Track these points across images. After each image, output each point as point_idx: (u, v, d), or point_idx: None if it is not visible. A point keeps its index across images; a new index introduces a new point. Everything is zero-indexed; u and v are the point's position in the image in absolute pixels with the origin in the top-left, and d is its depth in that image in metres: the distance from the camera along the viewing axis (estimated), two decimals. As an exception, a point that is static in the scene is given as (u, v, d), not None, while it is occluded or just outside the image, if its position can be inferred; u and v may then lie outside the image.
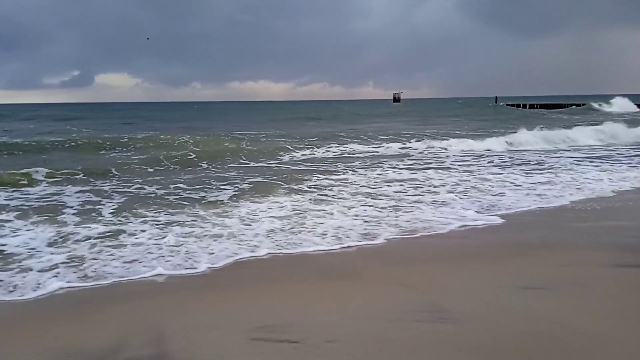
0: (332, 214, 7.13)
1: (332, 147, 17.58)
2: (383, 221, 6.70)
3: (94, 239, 5.93)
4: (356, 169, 12.30)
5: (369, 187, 9.45)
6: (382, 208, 7.51)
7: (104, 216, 7.24)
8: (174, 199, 8.60)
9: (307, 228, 6.34)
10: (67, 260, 5.12)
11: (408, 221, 6.71)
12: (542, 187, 9.20)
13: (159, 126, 31.86)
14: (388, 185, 9.61)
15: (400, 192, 8.90)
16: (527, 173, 11.07)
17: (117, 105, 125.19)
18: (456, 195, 8.45)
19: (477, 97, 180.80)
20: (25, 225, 6.59)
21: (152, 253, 5.36)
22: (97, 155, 15.73)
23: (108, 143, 18.05)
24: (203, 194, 9.06)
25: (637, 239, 5.86)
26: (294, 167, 12.99)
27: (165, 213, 7.35)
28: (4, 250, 5.51)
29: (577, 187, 9.21)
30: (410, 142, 18.77)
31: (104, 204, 8.09)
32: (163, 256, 5.25)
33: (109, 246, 5.61)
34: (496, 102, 70.13)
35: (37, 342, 3.47)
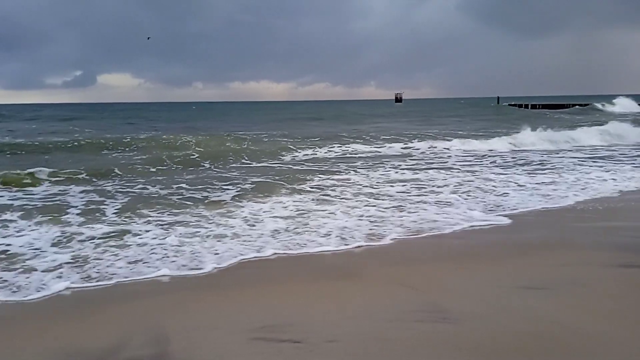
0: (335, 214, 7.12)
1: (334, 147, 17.58)
2: (388, 221, 6.68)
3: (98, 239, 5.93)
4: (358, 169, 12.29)
5: (372, 188, 9.44)
6: (385, 208, 7.49)
7: (107, 216, 7.25)
8: (177, 199, 8.61)
9: (311, 228, 6.32)
10: (71, 261, 5.12)
11: (414, 221, 6.68)
12: (546, 188, 9.17)
13: (161, 126, 31.90)
14: (391, 186, 9.60)
15: (403, 192, 8.88)
16: (530, 173, 11.04)
17: (119, 105, 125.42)
18: (459, 196, 8.43)
19: (478, 97, 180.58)
20: (29, 226, 6.60)
21: (157, 253, 5.36)
22: (100, 156, 15.75)
23: (111, 143, 18.09)
24: (206, 194, 9.07)
25: (638, 239, 5.84)
26: (296, 167, 12.99)
27: (168, 213, 7.35)
28: (8, 250, 5.52)
29: (582, 187, 9.18)
30: (413, 142, 18.76)
31: (107, 204, 8.09)
32: (168, 257, 5.24)
33: (113, 246, 5.61)
34: (498, 103, 70.01)
35: (37, 342, 3.47)
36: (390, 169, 12.16)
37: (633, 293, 4.15)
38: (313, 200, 8.29)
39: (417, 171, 11.74)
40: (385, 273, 4.75)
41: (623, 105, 50.59)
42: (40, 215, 7.18)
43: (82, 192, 9.26)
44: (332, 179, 10.59)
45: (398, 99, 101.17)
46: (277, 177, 10.93)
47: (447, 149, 16.97)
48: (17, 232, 6.31)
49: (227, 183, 10.24)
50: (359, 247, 5.65)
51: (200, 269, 4.93)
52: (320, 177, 10.85)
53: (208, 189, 9.51)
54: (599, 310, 3.76)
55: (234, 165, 13.66)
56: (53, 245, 5.71)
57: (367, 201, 8.09)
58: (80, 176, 11.10)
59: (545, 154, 15.12)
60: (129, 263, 5.06)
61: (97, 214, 7.35)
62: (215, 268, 4.97)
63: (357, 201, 8.13)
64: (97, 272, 4.80)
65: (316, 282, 4.59)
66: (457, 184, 9.61)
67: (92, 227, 6.47)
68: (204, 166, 13.42)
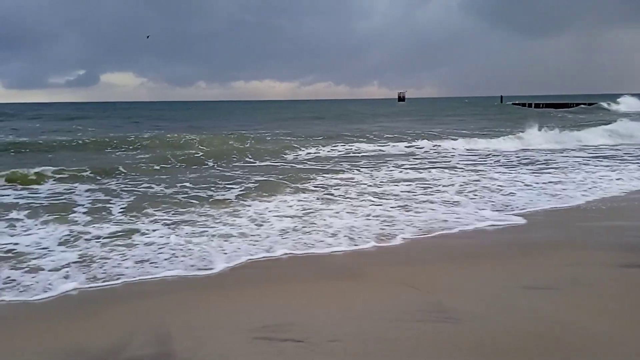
0: (342, 213, 7.11)
1: (337, 146, 17.56)
2: (397, 221, 6.65)
3: (105, 238, 5.94)
4: (362, 168, 12.28)
5: (376, 187, 9.42)
6: (392, 208, 7.47)
7: (114, 215, 7.26)
8: (183, 197, 8.62)
9: (319, 228, 6.31)
10: (78, 260, 5.12)
11: (424, 221, 6.65)
12: (553, 187, 9.13)
13: (164, 125, 31.97)
14: (395, 185, 9.58)
15: (408, 191, 8.86)
16: (535, 173, 11.00)
17: (122, 104, 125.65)
18: (466, 196, 8.40)
19: (481, 96, 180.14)
20: (36, 225, 6.62)
21: (164, 253, 5.35)
22: (104, 154, 15.79)
23: (115, 141, 18.15)
24: (211, 192, 9.07)
25: (641, 240, 5.82)
26: (299, 166, 12.99)
27: (174, 212, 7.36)
28: (16, 249, 5.52)
29: (589, 187, 9.14)
30: (417, 141, 18.71)
31: (113, 203, 8.11)
32: (176, 257, 5.23)
33: (120, 245, 5.62)
34: (501, 102, 69.82)
35: (38, 342, 3.48)
36: (394, 168, 12.14)
37: (636, 293, 4.15)
38: (318, 199, 8.28)
39: (421, 170, 11.71)
40: (389, 273, 4.75)
41: (628, 104, 50.38)
42: (47, 214, 7.19)
43: (87, 190, 9.29)
44: (336, 178, 10.58)
45: (401, 98, 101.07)
46: (280, 176, 10.93)
47: (454, 148, 16.93)
48: (24, 231, 6.33)
49: (232, 182, 10.25)
50: (368, 247, 5.63)
51: (209, 269, 4.91)
52: (324, 176, 10.85)
53: (212, 188, 9.52)
54: (602, 311, 3.76)
55: (237, 164, 13.67)
56: (60, 244, 5.72)
57: (373, 201, 8.07)
58: (84, 174, 11.12)
59: (550, 154, 15.06)
60: (136, 263, 5.05)
61: (103, 213, 7.37)
62: (225, 268, 4.95)
63: (362, 200, 8.11)
64: (104, 272, 4.80)
65: (319, 282, 4.59)
66: (462, 184, 9.58)
67: (99, 227, 6.49)
68: (207, 165, 13.43)
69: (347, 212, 7.19)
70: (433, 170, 11.62)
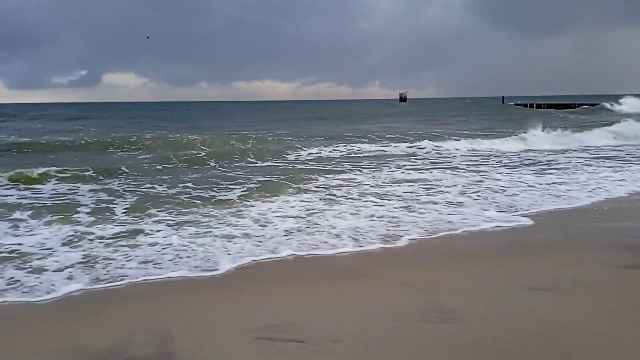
0: (345, 214, 7.10)
1: (339, 146, 17.53)
2: (402, 222, 6.62)
3: (109, 239, 5.94)
4: (364, 169, 12.27)
5: (379, 187, 9.41)
6: (395, 209, 7.45)
7: (117, 215, 7.26)
8: (185, 197, 8.62)
9: (322, 229, 6.30)
10: (82, 261, 5.12)
11: (429, 222, 6.62)
12: (557, 188, 9.11)
13: (166, 125, 32.03)
14: (398, 185, 9.57)
15: (411, 192, 8.84)
16: (538, 173, 10.97)
17: (124, 104, 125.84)
18: (470, 196, 8.37)
19: (483, 96, 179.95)
20: (40, 225, 6.62)
21: (168, 254, 5.35)
22: (106, 154, 15.82)
23: (117, 142, 18.19)
24: (213, 193, 9.08)
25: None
26: (301, 167, 12.99)
27: (177, 213, 7.36)
28: (19, 250, 5.52)
29: (592, 187, 9.11)
30: (419, 142, 18.68)
31: (117, 203, 8.11)
32: (181, 257, 5.22)
33: (124, 246, 5.62)
34: (503, 102, 69.72)
35: (39, 342, 3.48)
36: (396, 169, 12.13)
37: (636, 293, 4.16)
38: (320, 200, 8.27)
39: (423, 171, 11.70)
40: (391, 274, 4.75)
41: (631, 104, 50.25)
42: (50, 215, 7.19)
43: (90, 190, 9.30)
44: (338, 179, 10.57)
45: (402, 99, 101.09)
46: (282, 177, 10.93)
47: (454, 149, 16.90)
48: (28, 231, 6.33)
49: (234, 182, 10.26)
50: (373, 248, 5.60)
51: (214, 270, 4.90)
52: (325, 177, 10.83)
53: (215, 189, 9.53)
54: (602, 311, 3.76)
55: (239, 164, 13.68)
56: (64, 244, 5.72)
57: (376, 201, 8.05)
58: (87, 174, 11.14)
59: (552, 154, 15.03)
60: (140, 263, 5.05)
61: (107, 213, 7.37)
62: (229, 269, 4.94)
63: (365, 201, 8.10)
64: (108, 273, 4.79)
65: (321, 282, 4.59)
66: (465, 184, 9.55)
67: (102, 227, 6.49)
68: (209, 165, 13.45)
69: (351, 213, 7.18)
70: (435, 171, 11.60)
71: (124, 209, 7.67)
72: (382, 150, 16.73)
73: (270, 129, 27.22)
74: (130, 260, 5.15)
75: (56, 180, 10.37)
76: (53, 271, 4.83)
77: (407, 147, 17.62)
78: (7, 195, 8.88)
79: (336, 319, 3.71)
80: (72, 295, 4.31)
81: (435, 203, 7.88)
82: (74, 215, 7.20)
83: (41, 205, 8.00)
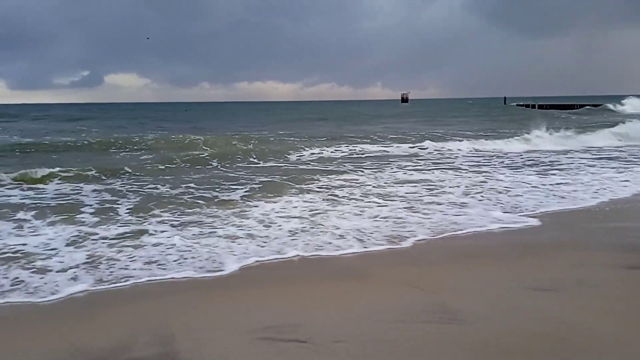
0: (349, 215, 7.08)
1: (340, 147, 17.52)
2: (407, 223, 6.59)
3: (113, 239, 5.94)
4: (366, 169, 12.26)
5: (382, 188, 9.39)
6: (399, 209, 7.42)
7: (121, 215, 7.26)
8: (188, 198, 8.63)
9: (327, 229, 6.28)
10: (86, 261, 5.12)
11: (435, 222, 6.59)
12: (561, 189, 9.08)
13: (168, 126, 32.08)
14: (400, 186, 9.55)
15: (414, 193, 8.82)
16: (541, 174, 10.94)
17: (126, 105, 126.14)
18: (473, 197, 8.34)
19: (484, 97, 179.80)
20: (44, 225, 6.62)
21: (172, 254, 5.35)
22: (109, 155, 15.85)
23: (120, 142, 18.22)
24: (216, 193, 9.09)
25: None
26: (303, 167, 12.99)
27: (181, 213, 7.36)
28: (24, 250, 5.53)
29: (596, 188, 9.08)
30: (421, 142, 18.66)
31: (120, 204, 8.12)
32: (185, 258, 5.21)
33: (128, 246, 5.62)
34: (505, 103, 69.59)
35: (42, 343, 3.49)
36: (398, 170, 12.11)
37: None
38: (324, 200, 8.26)
39: (425, 172, 11.68)
40: (395, 274, 4.74)
41: (633, 105, 50.03)
42: (54, 215, 7.20)
43: (93, 191, 9.32)
44: (340, 179, 10.56)
45: (404, 99, 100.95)
46: (285, 177, 10.93)
47: (457, 149, 16.86)
48: (32, 231, 6.34)
49: (236, 183, 10.27)
50: (378, 249, 5.58)
51: (219, 270, 4.89)
52: (328, 177, 10.82)
53: (217, 189, 9.54)
54: (607, 311, 3.76)
55: (241, 164, 13.69)
56: (68, 245, 5.72)
57: (379, 202, 8.03)
58: (90, 174, 11.17)
59: (554, 155, 15.00)
60: (145, 264, 5.05)
61: (110, 214, 7.37)
62: (235, 270, 4.93)
63: (368, 202, 8.08)
64: (112, 274, 4.79)
65: (324, 283, 4.59)
66: (469, 185, 9.52)
67: (106, 227, 6.50)
68: (211, 165, 13.46)
69: (354, 214, 7.17)
70: (437, 172, 11.58)
71: (127, 209, 7.68)
72: (384, 151, 16.72)
73: (272, 129, 27.24)
74: (134, 260, 5.15)
75: (59, 180, 10.40)
76: (57, 272, 4.84)
77: (409, 147, 17.59)
78: (10, 196, 8.91)
79: (338, 319, 3.71)
80: (75, 296, 4.31)
81: (439, 204, 7.85)
82: (77, 216, 7.21)
83: (45, 205, 8.01)
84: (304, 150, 16.42)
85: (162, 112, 64.10)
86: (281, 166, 13.29)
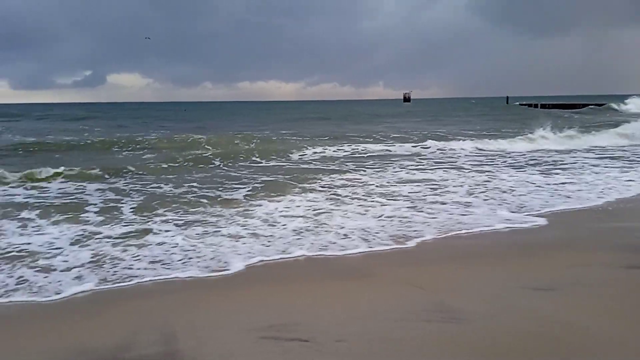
0: (353, 214, 7.07)
1: (343, 146, 17.52)
2: (412, 223, 6.56)
3: (118, 238, 5.95)
4: (369, 169, 12.24)
5: (385, 188, 9.37)
6: (402, 209, 7.40)
7: (125, 215, 7.26)
8: (192, 197, 8.64)
9: (331, 229, 6.28)
10: (91, 261, 5.13)
11: (441, 223, 6.56)
12: (566, 188, 9.04)
13: (171, 125, 32.11)
14: (404, 185, 9.53)
15: (418, 192, 8.80)
16: (544, 173, 10.89)
17: (129, 105, 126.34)
18: (477, 197, 8.30)
19: (487, 96, 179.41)
20: (48, 225, 6.63)
21: (176, 254, 5.34)
22: (112, 154, 15.89)
23: (123, 141, 18.26)
24: (219, 192, 9.09)
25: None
26: (306, 166, 12.98)
27: (185, 212, 7.36)
28: (28, 249, 5.54)
29: (602, 188, 9.04)
30: (423, 142, 18.64)
31: (124, 203, 8.13)
32: (190, 258, 5.20)
33: (132, 245, 5.63)
34: (507, 102, 69.42)
35: (47, 341, 3.51)
36: (402, 169, 12.09)
37: (638, 294, 4.17)
38: (327, 199, 8.25)
39: (428, 171, 11.67)
40: (398, 274, 4.74)
41: (637, 104, 49.82)
42: (59, 214, 7.21)
43: (97, 190, 9.34)
44: (343, 179, 10.55)
45: (406, 99, 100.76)
46: (287, 176, 10.93)
47: (461, 149, 16.82)
48: (37, 230, 6.34)
49: (239, 182, 10.27)
50: (383, 249, 5.56)
51: (224, 270, 4.88)
52: (331, 177, 10.81)
53: (220, 188, 9.54)
54: (604, 311, 3.77)
55: (243, 163, 13.69)
56: (72, 244, 5.73)
57: (383, 202, 8.01)
58: (93, 173, 11.19)
59: (558, 154, 14.96)
60: (149, 264, 5.05)
61: (114, 213, 7.38)
62: (239, 270, 4.93)
63: (372, 201, 8.07)
64: (116, 273, 4.79)
65: (326, 282, 4.59)
66: (472, 185, 9.48)
67: (111, 227, 6.51)
68: (214, 164, 13.48)
69: (358, 214, 7.16)
70: (441, 171, 11.55)
71: (131, 208, 7.69)
72: (386, 150, 16.70)
73: (274, 129, 27.25)
74: (138, 260, 5.15)
75: (63, 178, 10.42)
76: (61, 271, 4.84)
77: (412, 146, 17.57)
78: (14, 194, 8.93)
79: (341, 318, 3.72)
80: (80, 295, 4.32)
81: (443, 203, 7.82)
82: (82, 215, 7.22)
83: (48, 204, 8.03)
84: (306, 149, 16.41)
85: (164, 111, 64.18)
86: (283, 165, 13.29)
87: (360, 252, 5.46)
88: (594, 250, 5.41)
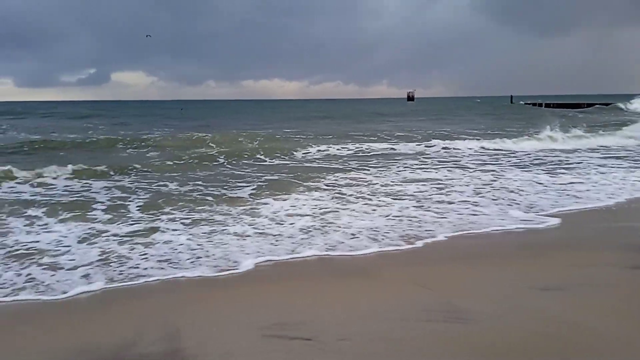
0: (359, 214, 7.04)
1: (347, 144, 17.50)
2: (422, 223, 6.52)
3: (125, 237, 5.95)
4: (374, 168, 12.21)
5: (390, 187, 9.33)
6: (412, 209, 7.36)
7: (132, 213, 7.27)
8: (198, 195, 8.65)
9: (338, 228, 6.26)
10: (99, 259, 5.14)
11: (451, 222, 6.53)
12: (574, 188, 8.98)
13: (176, 124, 32.18)
14: (409, 184, 9.49)
15: (424, 192, 8.75)
16: (553, 173, 10.81)
17: (133, 103, 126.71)
18: (484, 197, 8.25)
19: (491, 96, 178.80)
20: (56, 223, 6.65)
21: (183, 252, 5.34)
22: (117, 152, 15.93)
23: (128, 139, 18.30)
24: (224, 191, 9.10)
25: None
26: (310, 165, 12.97)
27: (191, 210, 7.37)
28: (36, 247, 5.55)
29: (612, 187, 8.99)
30: (428, 141, 18.58)
31: (131, 200, 8.15)
32: (199, 257, 5.20)
33: (139, 244, 5.63)
34: (511, 102, 69.16)
35: (52, 340, 3.52)
36: (406, 168, 12.06)
37: None
38: (332, 199, 8.22)
39: (434, 170, 11.62)
40: (404, 273, 4.73)
41: (641, 104, 49.51)
42: (66, 212, 7.23)
43: (103, 188, 9.37)
44: (348, 177, 10.53)
45: (410, 98, 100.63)
46: (292, 175, 10.92)
47: (464, 148, 16.76)
48: (44, 229, 6.35)
49: (244, 180, 10.27)
50: (392, 249, 5.53)
51: (231, 269, 4.87)
52: (335, 175, 10.78)
53: (225, 186, 9.55)
54: (611, 311, 3.76)
55: (248, 162, 13.70)
56: (80, 242, 5.74)
57: (388, 201, 7.97)
58: (99, 169, 11.24)
59: (563, 153, 14.89)
60: (156, 262, 5.04)
61: (121, 210, 7.40)
62: (246, 268, 4.92)
63: (378, 200, 8.04)
64: (124, 272, 4.79)
65: (330, 281, 4.59)
66: (479, 184, 9.43)
67: (118, 225, 6.51)
68: (219, 162, 13.49)
69: (365, 212, 7.14)
70: (446, 170, 11.51)
71: (137, 206, 7.70)
72: (391, 149, 16.65)
73: (278, 127, 27.26)
74: (146, 259, 5.15)
75: (68, 178, 10.43)
76: (69, 269, 4.85)
77: (416, 145, 17.51)
78: (21, 192, 8.97)
79: (344, 318, 3.72)
80: (87, 294, 4.32)
81: (450, 203, 7.79)
82: (89, 213, 7.24)
83: (55, 202, 8.05)
84: (310, 147, 16.40)
85: (168, 109, 64.31)
86: (287, 164, 13.28)
87: (369, 252, 5.43)
88: (603, 250, 5.39)
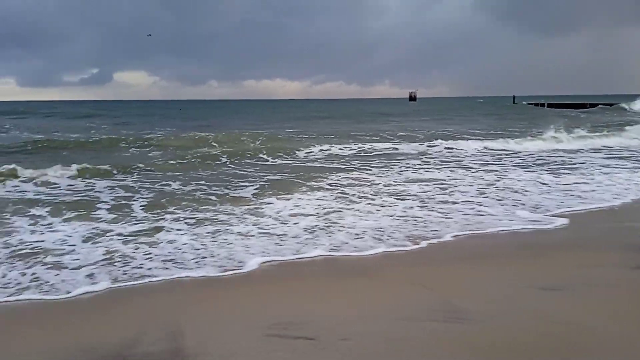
0: (363, 213, 7.03)
1: (349, 144, 17.48)
2: (427, 223, 6.50)
3: (129, 236, 5.95)
4: (376, 168, 12.19)
5: (393, 187, 9.32)
6: (416, 209, 7.33)
7: (136, 212, 7.28)
8: (201, 194, 8.65)
9: (342, 228, 6.25)
10: (104, 259, 5.13)
11: (456, 223, 6.50)
12: (579, 188, 8.94)
13: (177, 123, 32.21)
14: (412, 184, 9.47)
15: (427, 192, 8.73)
16: (556, 173, 10.78)
17: (135, 102, 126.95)
18: (488, 197, 8.22)
19: (493, 96, 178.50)
20: (60, 222, 6.65)
21: (187, 252, 5.33)
22: (120, 152, 15.96)
23: (130, 139, 18.33)
24: (227, 190, 9.10)
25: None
26: (313, 165, 12.96)
27: (195, 210, 7.36)
28: (41, 247, 5.55)
29: (617, 188, 8.94)
30: (430, 141, 18.55)
31: (135, 200, 8.16)
32: (204, 257, 5.18)
33: (143, 243, 5.63)
34: (514, 102, 69.04)
35: (56, 339, 3.53)
36: (409, 168, 12.04)
37: None
38: (335, 199, 8.20)
39: (437, 170, 11.59)
40: (406, 274, 4.72)
41: (646, 104, 49.28)
42: (70, 211, 7.24)
43: (107, 187, 9.38)
44: (350, 177, 10.52)
45: (412, 98, 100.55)
46: (294, 174, 10.92)
47: (468, 148, 16.72)
48: (49, 228, 6.36)
49: (247, 180, 10.27)
50: (393, 249, 5.51)
51: (236, 269, 4.87)
52: (337, 175, 10.78)
53: (228, 186, 9.55)
54: (612, 312, 3.75)
55: (251, 161, 13.70)
56: (84, 242, 5.74)
57: (392, 201, 7.96)
58: (102, 168, 11.25)
59: (566, 154, 14.85)
60: (161, 262, 5.04)
61: (125, 210, 7.40)
62: (250, 268, 4.91)
63: (381, 200, 8.02)
64: (128, 272, 4.79)
65: (333, 281, 4.58)
66: (482, 185, 9.39)
67: (122, 224, 6.51)
68: (221, 162, 13.49)
69: (369, 212, 7.12)
70: (449, 170, 11.48)
71: (141, 206, 7.70)
72: (393, 149, 16.63)
73: (280, 127, 27.27)
74: (150, 258, 5.15)
75: (71, 178, 10.44)
76: (73, 269, 4.85)
77: (419, 145, 17.48)
78: (25, 191, 8.98)
79: (347, 317, 3.72)
80: (91, 293, 4.32)
81: (454, 203, 7.76)
82: (93, 213, 7.24)
83: (59, 201, 8.06)
84: (313, 147, 16.40)
85: (171, 109, 64.41)
86: (290, 163, 13.28)
87: (374, 253, 5.41)
88: (604, 250, 5.38)
